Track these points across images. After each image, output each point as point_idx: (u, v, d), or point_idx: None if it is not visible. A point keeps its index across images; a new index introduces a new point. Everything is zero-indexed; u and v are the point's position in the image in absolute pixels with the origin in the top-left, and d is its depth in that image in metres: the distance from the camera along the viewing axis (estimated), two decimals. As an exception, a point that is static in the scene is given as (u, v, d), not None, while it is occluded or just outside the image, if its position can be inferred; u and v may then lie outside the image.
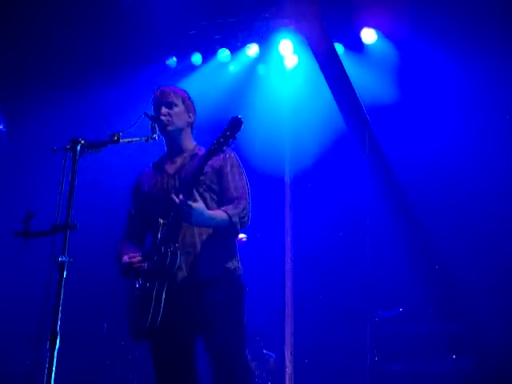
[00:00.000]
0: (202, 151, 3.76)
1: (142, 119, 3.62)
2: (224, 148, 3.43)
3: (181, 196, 3.38)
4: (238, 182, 3.67)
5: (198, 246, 3.57)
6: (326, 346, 6.36)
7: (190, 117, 3.83)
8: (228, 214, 3.53)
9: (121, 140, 3.45)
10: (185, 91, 3.90)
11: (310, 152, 6.76)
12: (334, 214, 6.74)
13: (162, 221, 3.53)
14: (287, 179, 6.98)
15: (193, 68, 6.92)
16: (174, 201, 3.38)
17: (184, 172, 3.69)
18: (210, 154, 3.43)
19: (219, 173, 3.67)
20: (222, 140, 3.42)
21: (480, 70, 5.98)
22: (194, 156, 3.77)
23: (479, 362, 5.48)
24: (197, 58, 6.88)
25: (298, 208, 6.88)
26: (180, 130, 3.78)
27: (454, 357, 5.55)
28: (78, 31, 6.35)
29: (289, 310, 6.61)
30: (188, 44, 6.84)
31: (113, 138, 3.42)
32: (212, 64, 6.89)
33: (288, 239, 6.83)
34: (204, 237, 3.59)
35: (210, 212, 3.50)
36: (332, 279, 6.62)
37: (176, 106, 3.77)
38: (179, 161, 3.79)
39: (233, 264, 3.64)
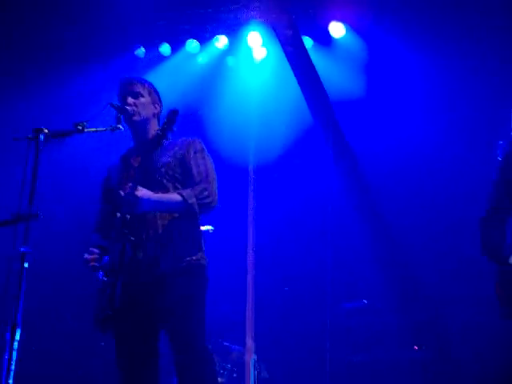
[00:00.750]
0: (166, 142, 3.68)
1: (108, 109, 3.61)
2: (163, 141, 3.44)
3: (127, 190, 3.40)
4: (201, 166, 3.66)
5: (161, 238, 3.55)
6: (288, 337, 6.41)
7: (155, 107, 3.81)
8: (182, 196, 3.51)
9: (85, 130, 3.46)
10: (151, 83, 3.88)
11: (276, 144, 6.78)
12: (298, 205, 6.78)
13: (118, 214, 3.49)
14: (251, 170, 6.98)
15: (161, 58, 6.87)
16: (120, 195, 3.40)
17: (147, 165, 3.63)
18: (153, 147, 3.45)
19: (182, 161, 3.66)
20: (159, 133, 3.44)
21: (447, 66, 6.04)
22: (157, 147, 3.68)
23: (439, 353, 5.57)
24: (165, 49, 6.83)
25: (262, 199, 6.89)
26: (146, 121, 3.76)
27: (416, 348, 5.63)
28: (45, 20, 6.26)
29: (250, 301, 6.62)
30: (157, 34, 6.78)
31: (77, 127, 3.43)
32: (180, 55, 6.84)
33: (251, 229, 6.83)
34: (167, 229, 3.56)
35: (158, 195, 3.48)
36: (294, 270, 6.66)
37: (142, 96, 3.76)
38: (143, 152, 3.73)
39: (197, 255, 3.63)
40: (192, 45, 6.78)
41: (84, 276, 3.85)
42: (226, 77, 6.91)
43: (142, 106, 3.74)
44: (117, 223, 3.49)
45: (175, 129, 3.48)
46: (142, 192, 3.40)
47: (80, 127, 3.41)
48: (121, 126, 3.62)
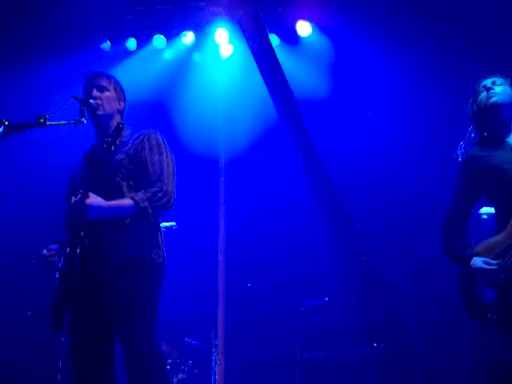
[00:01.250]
0: (125, 136, 3.70)
1: (72, 103, 3.58)
2: (112, 148, 3.39)
3: (78, 196, 3.36)
4: (156, 164, 3.60)
5: (112, 238, 3.50)
6: (257, 333, 6.44)
7: (120, 104, 3.79)
8: (134, 200, 3.46)
9: (48, 123, 3.42)
10: (117, 79, 3.85)
11: (243, 140, 6.80)
12: (267, 200, 6.81)
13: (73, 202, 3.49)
14: (222, 166, 6.99)
15: (127, 53, 6.82)
16: (72, 202, 3.39)
17: (104, 163, 3.57)
18: (108, 146, 3.40)
19: (136, 158, 3.61)
20: (109, 140, 3.40)
21: (411, 66, 6.10)
22: (119, 144, 3.64)
23: (396, 349, 5.65)
24: (132, 44, 6.78)
25: (232, 194, 6.91)
26: (109, 116, 3.73)
27: (375, 344, 5.71)
28: (7, 11, 6.18)
29: (221, 297, 6.64)
30: (123, 29, 6.73)
31: (39, 120, 3.39)
32: (147, 50, 6.80)
33: (222, 226, 6.85)
34: (119, 229, 3.51)
35: (110, 203, 3.43)
36: (264, 263, 6.69)
37: (107, 90, 3.73)
38: (103, 145, 3.67)
39: (152, 253, 3.57)
40: (159, 40, 6.74)
41: (44, 273, 3.80)
42: (192, 73, 6.90)
43: (107, 100, 3.71)
44: (70, 225, 3.49)
45: (118, 143, 3.43)
46: (92, 200, 3.35)
47: (42, 120, 3.37)
48: (84, 120, 3.59)
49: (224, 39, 6.65)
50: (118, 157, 3.60)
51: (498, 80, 3.69)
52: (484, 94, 3.65)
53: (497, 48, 5.61)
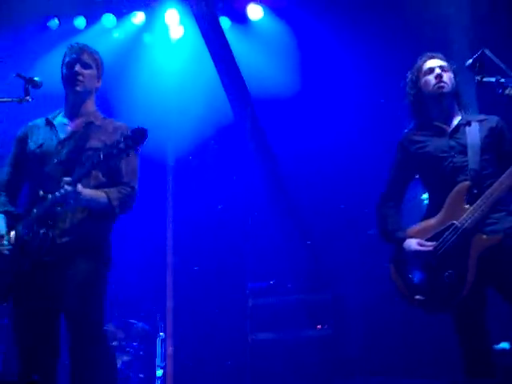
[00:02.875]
0: (98, 120, 3.71)
1: (17, 81, 3.51)
2: (123, 155, 3.35)
3: (67, 179, 3.33)
4: (130, 165, 3.64)
5: (71, 220, 3.51)
6: (207, 318, 6.46)
7: (98, 82, 3.77)
8: (109, 197, 3.52)
9: (-9, 99, 3.36)
10: (100, 56, 3.81)
11: (193, 131, 6.73)
12: (216, 191, 6.79)
13: (41, 193, 3.43)
14: (170, 158, 6.93)
15: (76, 31, 6.70)
16: (63, 187, 3.33)
17: (75, 141, 3.60)
18: (106, 159, 3.34)
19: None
20: (122, 147, 3.31)
21: (369, 50, 6.05)
22: (89, 124, 3.67)
23: (339, 330, 5.76)
24: (80, 22, 6.66)
25: (181, 187, 6.88)
26: (87, 93, 3.71)
27: (319, 326, 5.80)
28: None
29: (169, 282, 6.64)
30: (72, 6, 6.60)
31: (-18, 97, 3.33)
32: (96, 29, 6.69)
33: (170, 213, 6.83)
34: (79, 214, 3.53)
35: (90, 193, 3.46)
36: (213, 254, 6.70)
37: (90, 67, 3.70)
38: (74, 125, 3.69)
39: (105, 239, 3.63)
40: (108, 19, 6.64)
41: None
42: (141, 54, 6.82)
43: (89, 77, 3.68)
44: (39, 201, 3.43)
45: (139, 150, 3.41)
46: (80, 188, 3.36)
47: (-15, 97, 3.32)
48: (29, 98, 3.53)
49: (174, 20, 6.59)
50: (94, 144, 3.57)
51: (445, 64, 3.70)
52: (431, 80, 3.65)
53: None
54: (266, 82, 6.40)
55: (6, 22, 6.24)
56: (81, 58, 3.68)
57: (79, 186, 3.36)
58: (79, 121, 3.69)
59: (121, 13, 6.65)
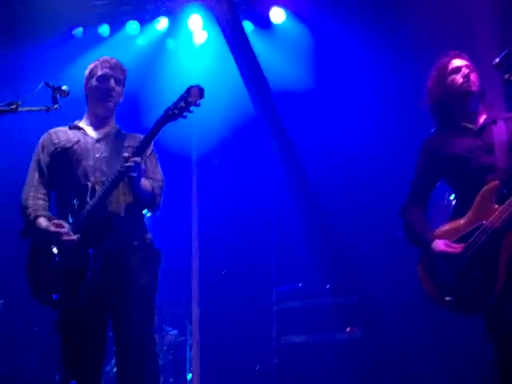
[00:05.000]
0: (123, 132, 3.81)
1: (44, 90, 3.54)
2: (184, 114, 3.48)
3: (135, 158, 3.40)
4: (155, 167, 3.74)
5: (122, 214, 3.58)
6: (233, 322, 6.47)
7: (121, 97, 3.85)
8: (152, 186, 3.62)
9: (20, 109, 3.39)
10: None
11: (217, 129, 6.77)
12: (241, 192, 6.80)
13: (89, 184, 3.50)
14: (194, 158, 6.97)
15: (100, 39, 6.76)
16: (129, 161, 3.38)
17: (112, 141, 3.70)
18: (167, 119, 3.48)
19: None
20: (182, 105, 3.44)
21: (390, 54, 6.08)
22: (118, 132, 3.78)
23: (368, 333, 5.73)
24: (104, 30, 6.73)
25: (205, 186, 6.90)
26: (113, 109, 3.80)
27: (349, 329, 5.77)
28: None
29: (195, 286, 6.65)
30: (96, 15, 6.67)
31: (11, 106, 3.36)
32: (120, 36, 6.75)
33: (195, 216, 6.85)
34: (127, 206, 3.60)
35: (142, 179, 3.54)
36: (238, 257, 6.71)
37: (121, 85, 3.79)
38: (102, 131, 3.76)
39: (148, 236, 3.72)
40: (132, 26, 6.69)
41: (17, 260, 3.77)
42: (165, 60, 6.86)
43: (119, 94, 3.78)
44: (82, 191, 3.49)
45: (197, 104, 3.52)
46: (138, 159, 3.44)
47: (14, 106, 3.35)
48: (57, 106, 3.55)
49: (198, 25, 6.62)
50: (132, 143, 3.66)
51: (470, 64, 3.67)
52: (458, 80, 3.61)
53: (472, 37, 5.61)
54: (287, 83, 6.41)
55: (33, 31, 6.33)
56: (115, 74, 3.75)
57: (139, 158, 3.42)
58: (106, 129, 3.77)
59: (144, 20, 6.69)
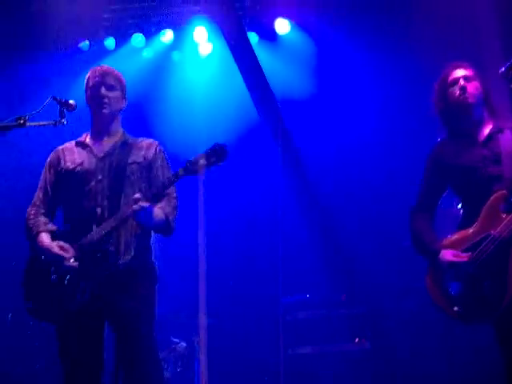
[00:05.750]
0: (129, 139, 3.78)
1: (51, 104, 3.56)
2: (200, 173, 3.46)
3: (141, 203, 3.37)
4: (168, 175, 3.66)
5: (130, 239, 3.58)
6: (240, 331, 6.46)
7: (123, 102, 3.82)
8: (165, 214, 3.58)
9: (27, 123, 3.41)
10: (123, 76, 3.86)
11: (223, 139, 6.77)
12: (247, 202, 6.81)
13: (99, 211, 3.50)
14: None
15: (106, 52, 6.79)
16: (138, 204, 3.38)
17: (115, 158, 3.67)
18: (186, 173, 3.44)
19: (150, 165, 3.69)
20: (203, 163, 3.44)
21: (393, 63, 6.09)
22: (123, 143, 3.74)
23: (378, 343, 5.71)
24: (110, 42, 6.75)
25: (211, 197, 6.91)
26: (113, 115, 3.76)
27: (357, 340, 5.76)
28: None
29: (202, 297, 6.64)
30: (101, 28, 6.70)
31: (19, 121, 3.37)
32: (125, 49, 6.78)
33: (201, 226, 6.85)
34: (136, 232, 3.60)
35: (155, 210, 3.51)
36: (245, 268, 6.70)
37: (116, 89, 3.75)
38: (107, 144, 3.74)
39: (151, 257, 3.70)
40: (137, 39, 6.72)
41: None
42: (171, 72, 6.89)
43: (114, 99, 3.73)
44: (91, 217, 3.49)
45: (218, 164, 3.48)
46: (147, 205, 3.41)
47: (21, 121, 3.36)
48: (64, 121, 3.56)
49: (203, 37, 6.65)
50: (136, 158, 3.68)
51: (470, 74, 3.65)
52: (455, 93, 3.61)
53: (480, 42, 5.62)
54: (291, 92, 6.43)
55: (39, 45, 6.37)
56: (105, 81, 3.72)
57: (148, 203, 3.40)
58: (111, 140, 3.75)
59: (150, 32, 6.72)
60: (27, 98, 5.98)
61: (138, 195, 3.41)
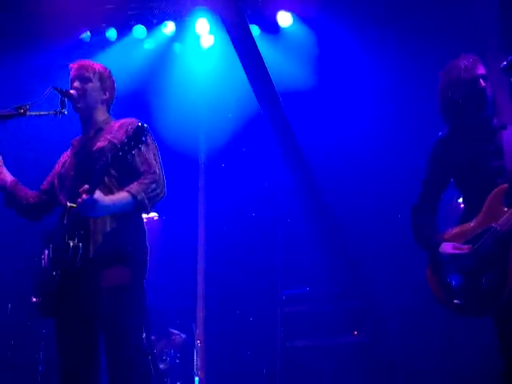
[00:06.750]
0: (109, 124, 3.69)
1: (52, 93, 3.55)
2: (128, 156, 3.30)
3: (84, 196, 3.26)
4: (144, 154, 3.52)
5: (107, 228, 3.48)
6: (239, 326, 6.47)
7: (104, 94, 3.72)
8: (131, 194, 3.40)
9: (28, 113, 3.41)
10: (105, 68, 3.78)
11: (224, 132, 6.80)
12: (247, 194, 6.81)
13: (69, 204, 3.41)
14: (201, 159, 7.00)
15: (107, 43, 6.78)
16: (79, 201, 3.28)
17: (85, 150, 3.62)
18: (114, 161, 3.31)
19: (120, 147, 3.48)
20: (125, 148, 3.27)
21: (394, 57, 6.09)
22: (98, 131, 3.67)
23: (375, 337, 5.72)
24: (112, 34, 6.74)
25: (212, 188, 6.92)
26: (91, 108, 3.68)
27: (356, 333, 5.77)
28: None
29: (200, 289, 6.66)
30: (103, 19, 6.69)
31: (19, 110, 3.38)
32: (127, 40, 6.77)
33: (201, 218, 6.86)
34: (113, 220, 3.48)
35: (110, 197, 3.37)
36: (245, 260, 6.70)
37: (90, 81, 3.67)
38: (85, 138, 3.71)
39: (136, 244, 3.55)
40: (139, 30, 6.71)
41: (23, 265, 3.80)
42: (172, 63, 6.88)
43: (89, 92, 3.65)
44: (65, 211, 3.45)
45: (140, 146, 3.33)
46: (98, 196, 3.27)
47: (22, 110, 3.37)
48: (65, 111, 3.55)
49: (205, 29, 6.64)
50: (100, 145, 3.56)
51: (485, 72, 3.60)
52: (474, 89, 3.54)
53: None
54: (293, 84, 6.42)
55: (41, 36, 6.36)
56: (80, 74, 3.67)
57: (96, 194, 3.26)
58: (88, 135, 3.70)
59: (151, 24, 6.71)
60: (28, 90, 5.96)
61: (84, 187, 3.28)
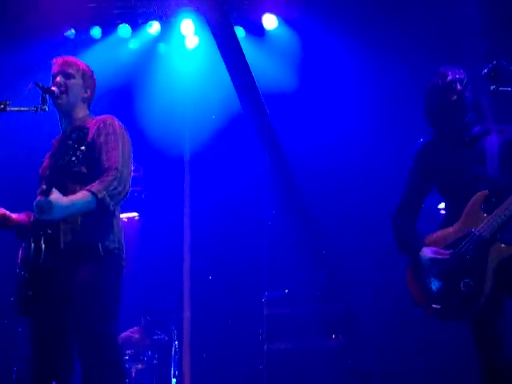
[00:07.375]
0: (87, 122, 3.63)
1: (34, 90, 3.52)
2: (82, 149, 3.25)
3: (39, 197, 3.17)
4: (110, 150, 3.45)
5: (77, 226, 3.41)
6: (223, 327, 6.47)
7: (86, 92, 3.68)
8: (92, 192, 3.30)
9: (8, 108, 3.38)
10: (88, 67, 3.74)
11: (209, 131, 6.80)
12: (232, 194, 6.83)
13: (34, 203, 3.31)
14: (186, 158, 6.99)
15: (92, 41, 6.76)
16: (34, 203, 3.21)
17: (60, 149, 3.54)
18: (74, 154, 3.24)
19: (93, 147, 3.46)
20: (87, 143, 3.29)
21: (378, 60, 6.14)
22: (73, 130, 3.52)
23: (353, 340, 5.74)
24: (96, 32, 6.72)
25: (197, 187, 6.92)
26: (72, 105, 3.64)
27: (334, 336, 5.79)
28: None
29: (186, 290, 6.64)
30: (87, 17, 6.66)
31: (-1, 106, 3.35)
32: (111, 39, 6.75)
33: (187, 217, 6.85)
34: (84, 217, 3.40)
35: (70, 197, 3.26)
36: (229, 262, 6.71)
37: (73, 78, 3.62)
38: (63, 136, 3.66)
39: (105, 241, 3.46)
40: (124, 29, 6.69)
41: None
42: (157, 63, 6.88)
43: (71, 88, 3.60)
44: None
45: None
46: (54, 197, 3.17)
47: (2, 106, 3.33)
48: (46, 107, 3.50)
49: (190, 30, 6.63)
50: (70, 143, 3.40)
51: (463, 77, 3.65)
52: (453, 96, 3.57)
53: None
54: (276, 86, 6.46)
55: (25, 33, 6.32)
56: (63, 70, 3.62)
57: (53, 195, 3.16)
58: (69, 128, 3.64)
59: (136, 23, 6.69)
60: (11, 86, 5.94)
61: (42, 188, 3.19)
